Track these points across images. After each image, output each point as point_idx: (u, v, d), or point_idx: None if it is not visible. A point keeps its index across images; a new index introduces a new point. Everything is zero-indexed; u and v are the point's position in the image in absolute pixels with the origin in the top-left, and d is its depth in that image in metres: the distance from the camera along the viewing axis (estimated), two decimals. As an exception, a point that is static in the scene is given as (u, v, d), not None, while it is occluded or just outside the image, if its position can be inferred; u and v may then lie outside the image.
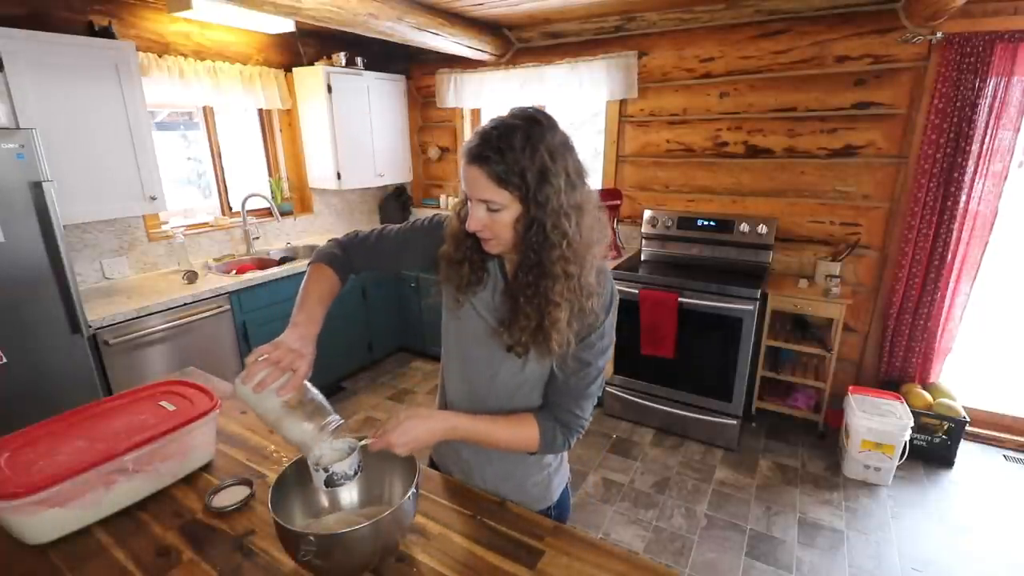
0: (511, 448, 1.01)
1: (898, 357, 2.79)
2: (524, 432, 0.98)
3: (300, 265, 3.02)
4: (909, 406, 2.55)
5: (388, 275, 3.62)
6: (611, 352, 1.00)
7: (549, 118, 0.90)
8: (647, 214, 3.22)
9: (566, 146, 0.90)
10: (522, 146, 0.85)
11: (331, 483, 0.88)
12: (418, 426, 0.91)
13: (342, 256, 1.13)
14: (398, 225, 1.15)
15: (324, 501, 1.02)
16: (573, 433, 1.01)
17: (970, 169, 2.42)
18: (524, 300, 0.92)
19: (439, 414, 0.97)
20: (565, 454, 1.17)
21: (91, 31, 2.41)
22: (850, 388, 2.71)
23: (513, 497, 1.09)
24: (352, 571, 0.87)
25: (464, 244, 0.98)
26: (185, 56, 2.83)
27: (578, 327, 0.93)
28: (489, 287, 1.01)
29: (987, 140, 2.37)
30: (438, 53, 3.31)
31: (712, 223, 3.03)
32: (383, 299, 3.63)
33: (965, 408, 2.58)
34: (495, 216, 0.88)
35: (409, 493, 0.87)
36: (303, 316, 1.01)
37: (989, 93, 2.32)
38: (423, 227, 1.10)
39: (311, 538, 0.79)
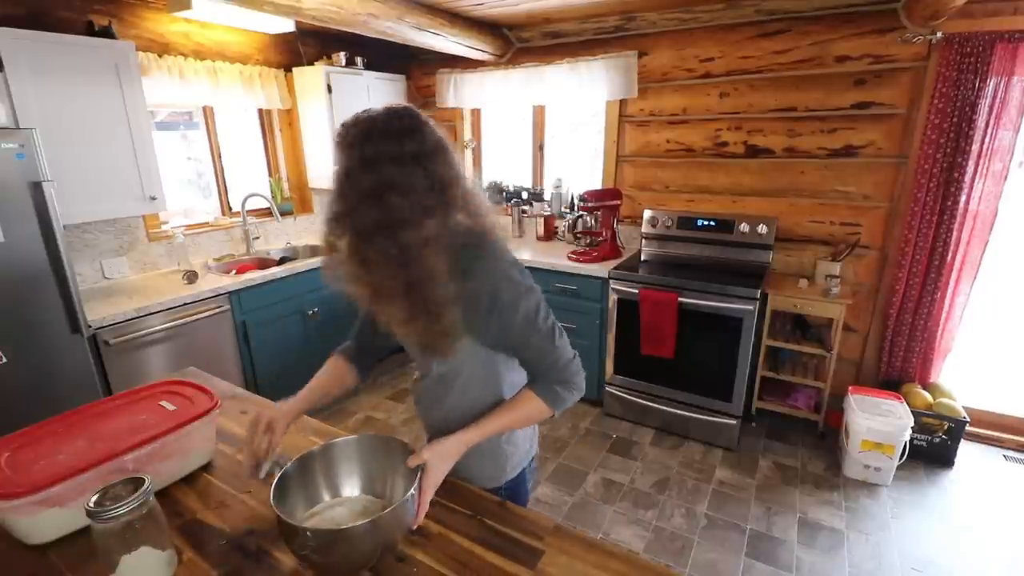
0: (530, 422, 1.07)
1: (898, 357, 2.79)
2: (529, 406, 1.02)
3: (300, 265, 3.01)
4: (909, 406, 2.54)
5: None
6: (540, 305, 0.98)
7: (352, 132, 0.88)
8: (647, 214, 3.21)
9: (389, 160, 0.85)
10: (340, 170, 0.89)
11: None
12: (438, 470, 0.96)
13: (351, 344, 1.24)
14: None
15: (326, 498, 1.02)
16: (572, 381, 1.02)
17: (970, 169, 2.42)
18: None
19: (446, 447, 0.97)
20: (534, 438, 1.25)
21: (91, 31, 2.41)
22: (850, 388, 2.71)
23: (463, 472, 1.10)
24: (351, 568, 0.88)
25: None
26: (185, 56, 2.83)
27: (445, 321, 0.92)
28: None
29: (987, 140, 2.37)
30: (438, 53, 3.31)
31: (712, 223, 3.03)
32: (383, 299, 3.62)
33: (965, 408, 2.58)
34: None
35: (409, 493, 0.88)
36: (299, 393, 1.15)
37: (989, 93, 2.32)
38: None
39: (308, 533, 0.81)
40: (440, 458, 0.96)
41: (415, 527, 0.93)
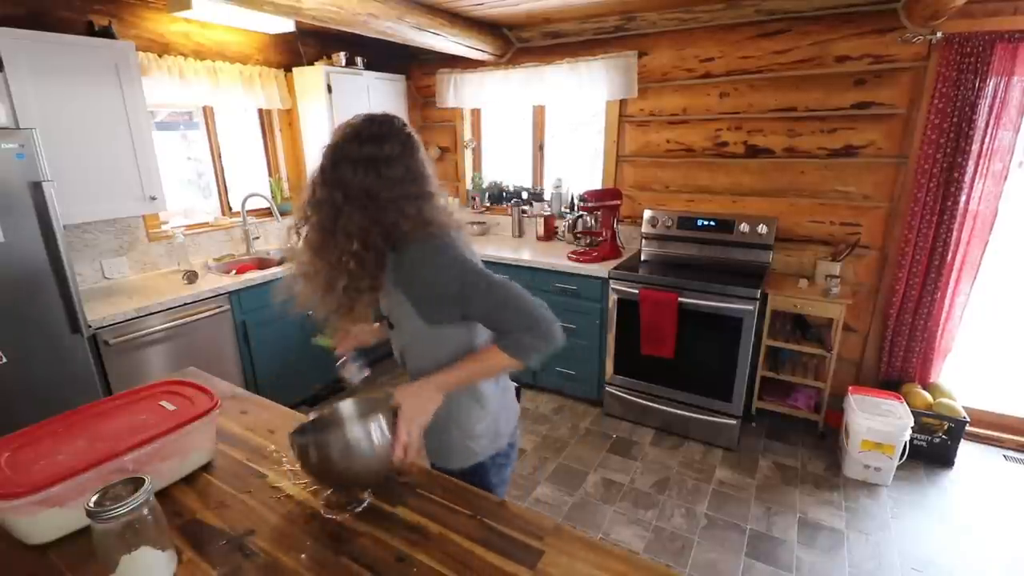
0: (494, 372, 1.15)
1: (898, 357, 2.79)
2: (491, 357, 1.08)
3: (300, 265, 3.01)
4: (909, 406, 2.54)
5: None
6: (475, 270, 1.07)
7: (338, 133, 1.08)
8: (647, 214, 3.21)
9: (342, 156, 1.05)
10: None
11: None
12: (416, 415, 1.04)
13: None
14: None
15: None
16: (537, 328, 1.05)
17: (970, 169, 2.42)
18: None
19: (423, 391, 1.07)
20: (499, 438, 1.27)
21: (91, 31, 2.41)
22: (850, 388, 2.71)
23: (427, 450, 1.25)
24: (335, 479, 1.05)
25: None
26: (185, 56, 2.83)
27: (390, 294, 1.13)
28: None
29: (987, 140, 2.37)
30: (438, 53, 3.31)
31: (712, 223, 3.03)
32: (383, 299, 3.63)
33: (965, 408, 2.58)
34: None
35: (373, 420, 1.00)
36: None
37: (989, 93, 2.32)
38: None
39: (296, 443, 1.01)
40: (408, 397, 1.05)
41: (396, 461, 1.02)
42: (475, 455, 1.24)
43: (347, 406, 1.18)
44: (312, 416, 1.18)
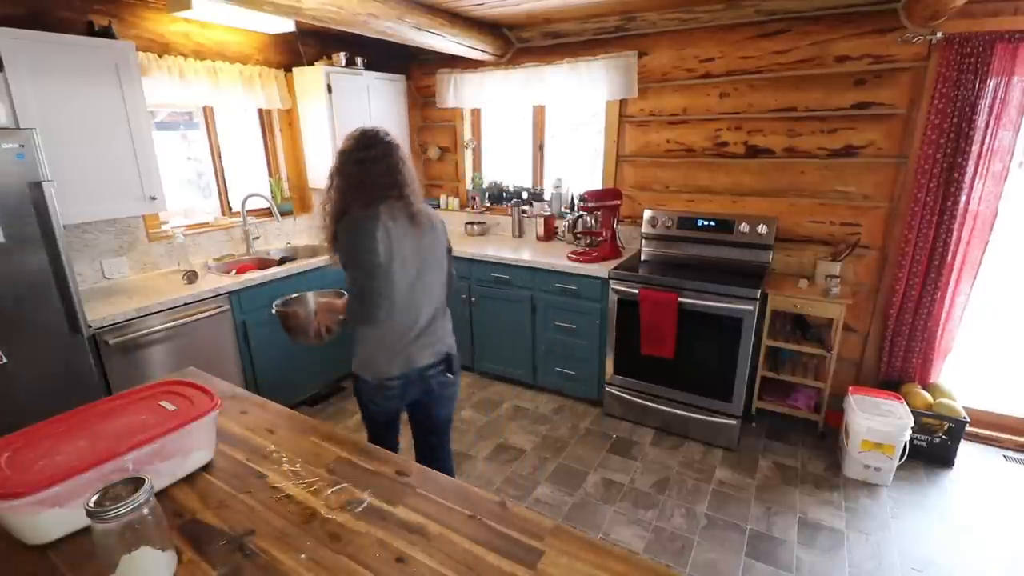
0: (342, 312, 1.66)
1: (898, 357, 2.79)
2: (344, 307, 1.63)
3: (300, 265, 3.02)
4: (909, 406, 2.55)
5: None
6: (349, 256, 1.56)
7: (345, 141, 1.62)
8: (647, 214, 3.21)
9: (346, 159, 1.59)
10: None
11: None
12: (322, 318, 1.68)
13: None
14: None
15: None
16: (358, 306, 1.57)
17: (970, 169, 2.42)
18: None
19: (327, 308, 1.69)
20: (378, 368, 1.69)
21: (91, 31, 2.41)
22: (850, 388, 2.71)
23: None
24: (287, 330, 1.70)
25: None
26: (185, 56, 2.83)
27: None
28: None
29: (987, 140, 2.37)
30: (438, 53, 3.31)
31: (712, 223, 3.03)
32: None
33: (965, 408, 2.58)
34: None
35: (310, 308, 1.74)
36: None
37: (989, 93, 2.32)
38: None
39: (279, 311, 1.69)
40: (320, 308, 1.71)
41: (312, 335, 1.67)
42: (359, 366, 1.72)
43: (309, 295, 1.80)
44: (288, 297, 1.79)
